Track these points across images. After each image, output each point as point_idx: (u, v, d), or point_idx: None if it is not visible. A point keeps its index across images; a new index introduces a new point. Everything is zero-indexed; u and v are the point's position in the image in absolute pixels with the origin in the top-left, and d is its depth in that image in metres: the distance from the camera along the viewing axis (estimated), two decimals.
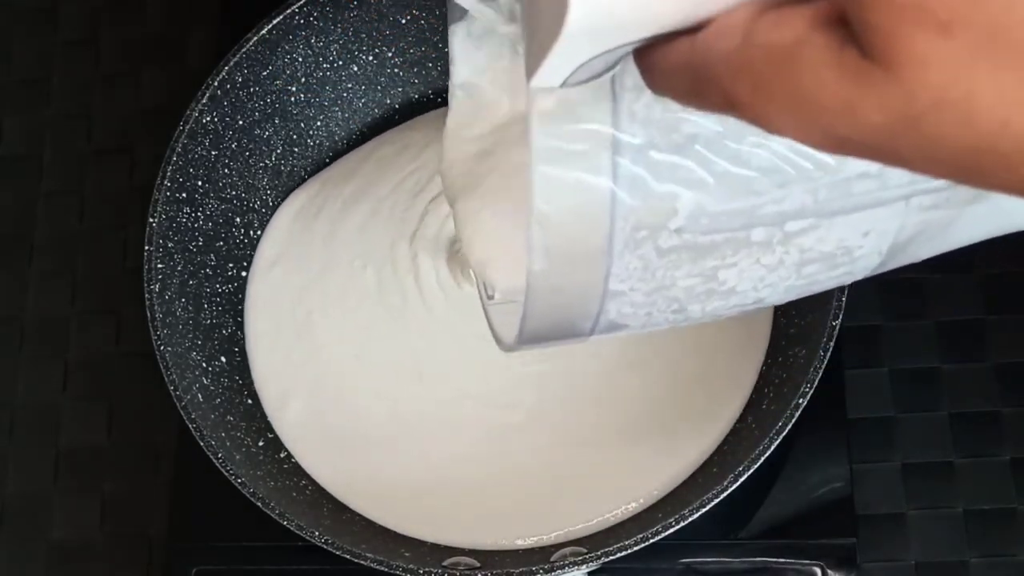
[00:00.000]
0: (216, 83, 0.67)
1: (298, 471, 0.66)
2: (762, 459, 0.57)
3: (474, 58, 0.53)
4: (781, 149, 0.35)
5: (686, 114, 0.34)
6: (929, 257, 0.42)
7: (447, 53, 0.73)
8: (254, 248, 0.71)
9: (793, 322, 0.64)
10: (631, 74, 0.33)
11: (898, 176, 0.37)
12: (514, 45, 0.51)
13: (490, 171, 0.55)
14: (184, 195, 0.66)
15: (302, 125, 0.72)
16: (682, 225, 0.36)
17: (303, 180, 0.73)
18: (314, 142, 0.73)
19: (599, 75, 0.33)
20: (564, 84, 0.32)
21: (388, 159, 0.72)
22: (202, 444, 0.60)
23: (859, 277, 0.41)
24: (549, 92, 0.33)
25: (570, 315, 0.39)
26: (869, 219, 0.38)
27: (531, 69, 0.32)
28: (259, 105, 0.70)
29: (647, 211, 0.35)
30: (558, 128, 0.33)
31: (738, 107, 0.29)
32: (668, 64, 0.30)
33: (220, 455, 0.59)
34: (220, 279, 0.69)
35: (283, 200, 0.72)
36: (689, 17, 0.30)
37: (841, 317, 0.58)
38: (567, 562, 0.57)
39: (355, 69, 0.73)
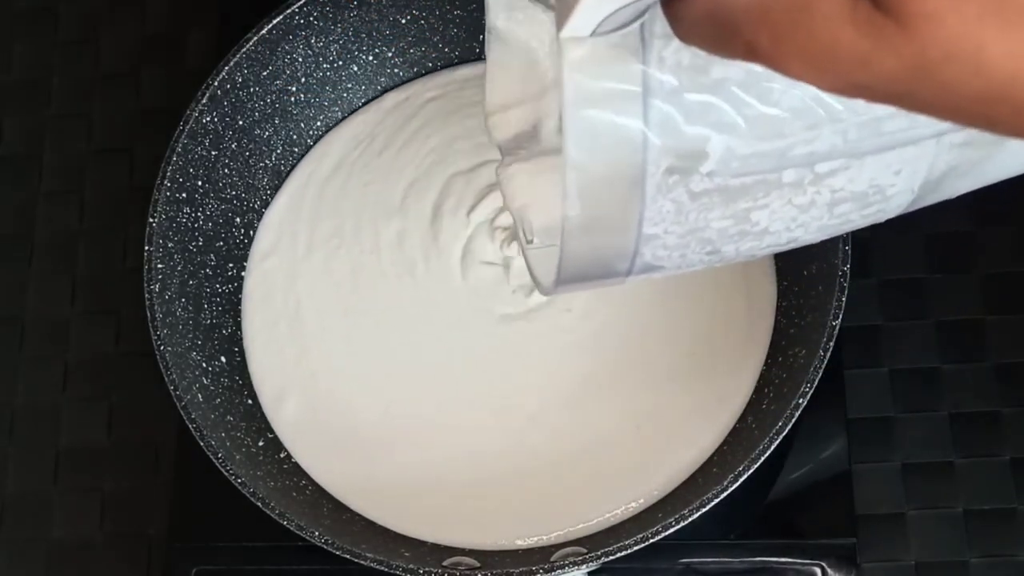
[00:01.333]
0: (216, 83, 0.67)
1: (298, 471, 0.66)
2: (762, 459, 0.56)
3: (508, 7, 0.54)
4: (810, 90, 0.35)
5: (713, 60, 0.35)
6: (966, 192, 0.42)
7: (447, 54, 0.74)
8: None
9: (793, 322, 0.64)
10: (660, 21, 0.34)
11: None
12: None
13: (527, 117, 0.56)
14: (184, 195, 0.66)
15: (302, 125, 0.72)
16: (713, 169, 0.36)
17: None
18: (314, 142, 0.73)
19: (628, 24, 0.34)
20: (594, 33, 0.33)
21: (359, 127, 0.73)
22: (202, 444, 0.60)
23: (892, 215, 0.42)
24: (580, 42, 0.34)
25: (606, 258, 0.39)
26: (900, 158, 0.39)
27: (562, 20, 0.33)
28: (259, 105, 0.70)
29: (678, 154, 0.36)
30: (590, 75, 0.34)
31: (759, 55, 0.30)
32: (693, 13, 0.31)
33: (220, 455, 0.59)
34: (220, 279, 0.69)
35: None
36: None
37: (841, 317, 0.58)
38: (567, 562, 0.57)
39: (355, 69, 0.73)
